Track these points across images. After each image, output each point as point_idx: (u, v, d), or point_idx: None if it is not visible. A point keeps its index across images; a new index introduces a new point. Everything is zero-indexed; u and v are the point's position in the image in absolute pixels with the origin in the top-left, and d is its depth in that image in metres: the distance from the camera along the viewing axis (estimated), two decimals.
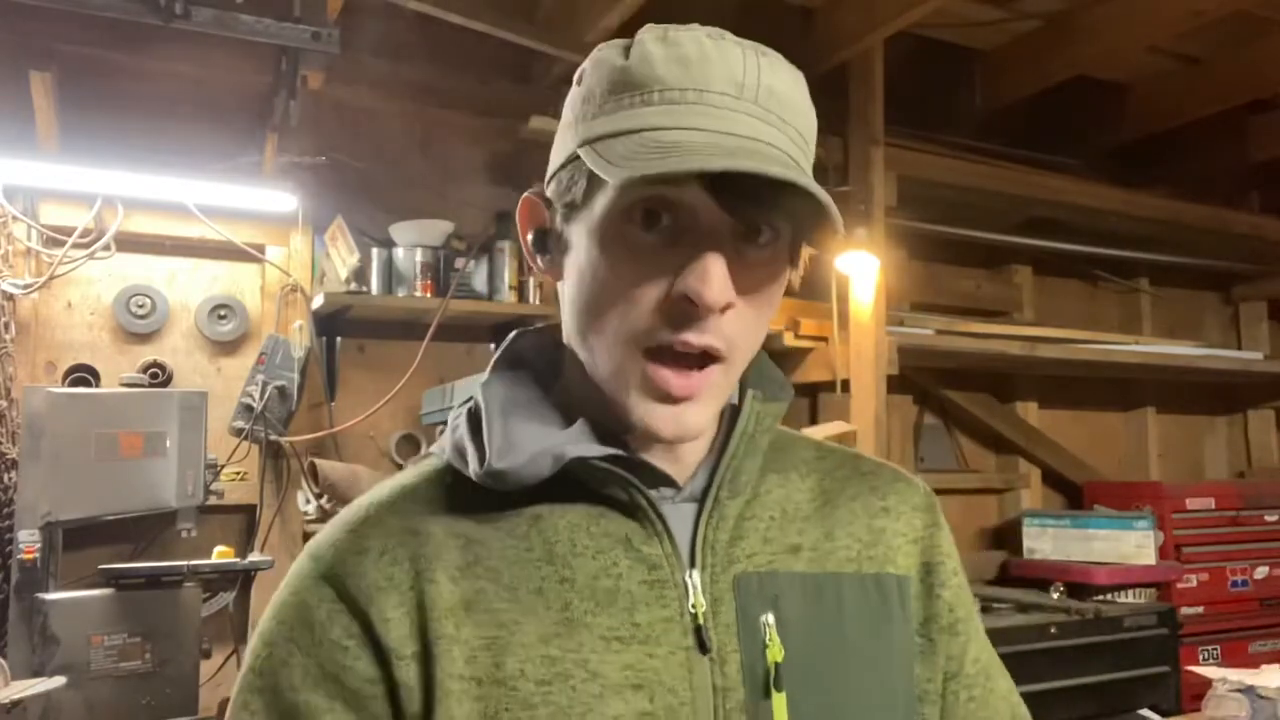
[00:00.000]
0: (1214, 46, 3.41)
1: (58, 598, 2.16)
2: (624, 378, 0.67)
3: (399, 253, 2.74)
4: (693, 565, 0.71)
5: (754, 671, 0.69)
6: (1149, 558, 3.25)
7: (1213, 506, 3.64)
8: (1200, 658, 3.44)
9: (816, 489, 0.79)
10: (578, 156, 0.67)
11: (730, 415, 0.76)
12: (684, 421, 0.68)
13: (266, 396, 2.54)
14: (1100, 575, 3.21)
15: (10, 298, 2.46)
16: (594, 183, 0.67)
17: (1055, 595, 3.18)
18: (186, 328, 2.70)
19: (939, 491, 0.88)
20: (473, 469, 0.70)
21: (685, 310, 0.64)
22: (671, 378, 0.66)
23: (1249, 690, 1.92)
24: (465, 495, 0.71)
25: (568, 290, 0.71)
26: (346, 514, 0.73)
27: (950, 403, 3.75)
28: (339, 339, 2.85)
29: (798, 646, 0.70)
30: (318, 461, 2.66)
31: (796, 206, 0.64)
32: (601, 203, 0.66)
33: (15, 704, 1.88)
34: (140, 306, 2.63)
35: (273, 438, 2.57)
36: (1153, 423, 4.25)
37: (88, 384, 2.51)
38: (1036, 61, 3.38)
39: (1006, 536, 3.73)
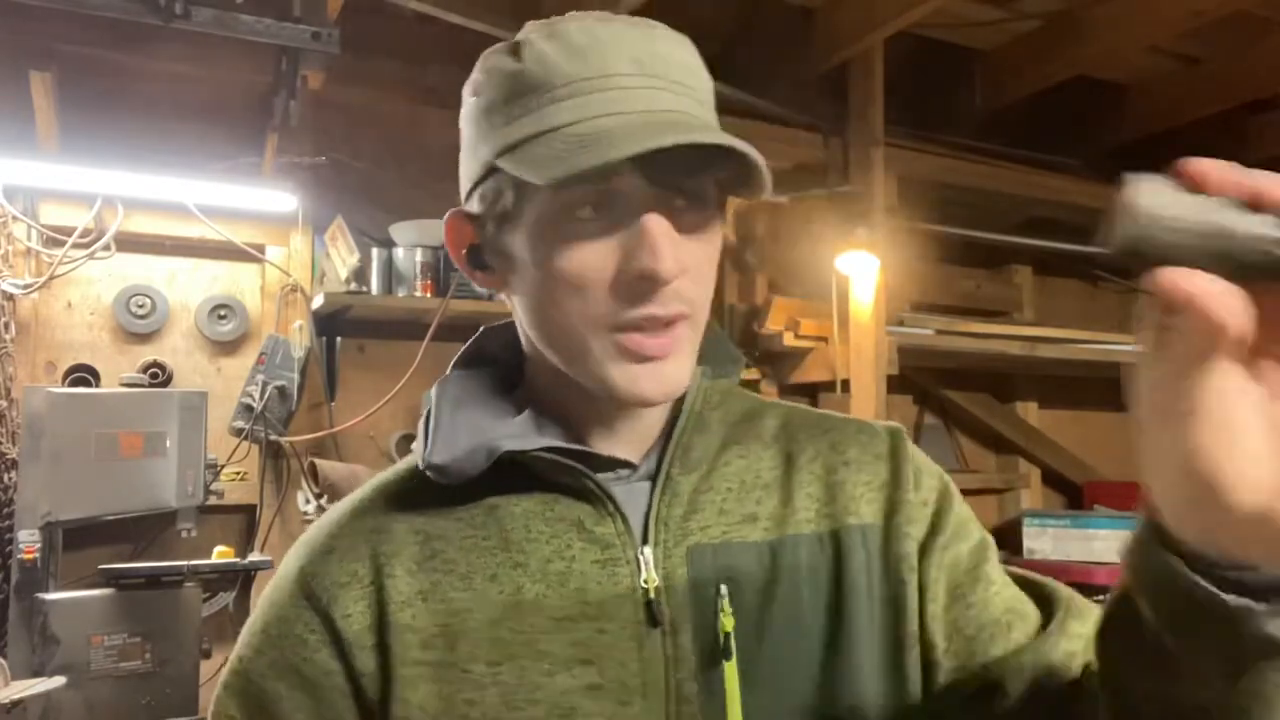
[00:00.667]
0: (1214, 46, 3.41)
1: (58, 598, 2.16)
2: (598, 356, 0.69)
3: (399, 253, 2.75)
4: (645, 542, 0.72)
5: (705, 641, 0.70)
6: None
7: None
8: None
9: (780, 456, 0.79)
10: (497, 168, 0.68)
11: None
12: (667, 377, 0.69)
13: (266, 396, 2.54)
14: (1100, 575, 3.21)
15: (10, 298, 2.46)
16: (522, 189, 0.68)
17: None
18: (186, 328, 2.70)
19: None
20: (419, 464, 0.74)
21: (643, 287, 0.66)
22: (645, 340, 0.68)
23: None
24: (431, 489, 0.74)
25: (519, 298, 0.73)
26: (329, 513, 0.78)
27: (950, 403, 3.76)
28: (339, 339, 2.85)
29: (751, 614, 0.71)
30: (318, 461, 2.66)
31: (723, 164, 0.66)
32: (536, 206, 0.68)
33: (15, 704, 1.88)
34: (140, 306, 2.63)
35: (273, 438, 2.57)
36: None
37: (88, 384, 2.51)
38: (1036, 61, 3.38)
39: (1007, 536, 3.73)
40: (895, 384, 3.02)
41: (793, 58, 3.11)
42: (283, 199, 2.60)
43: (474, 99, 0.71)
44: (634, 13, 0.76)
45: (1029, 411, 3.89)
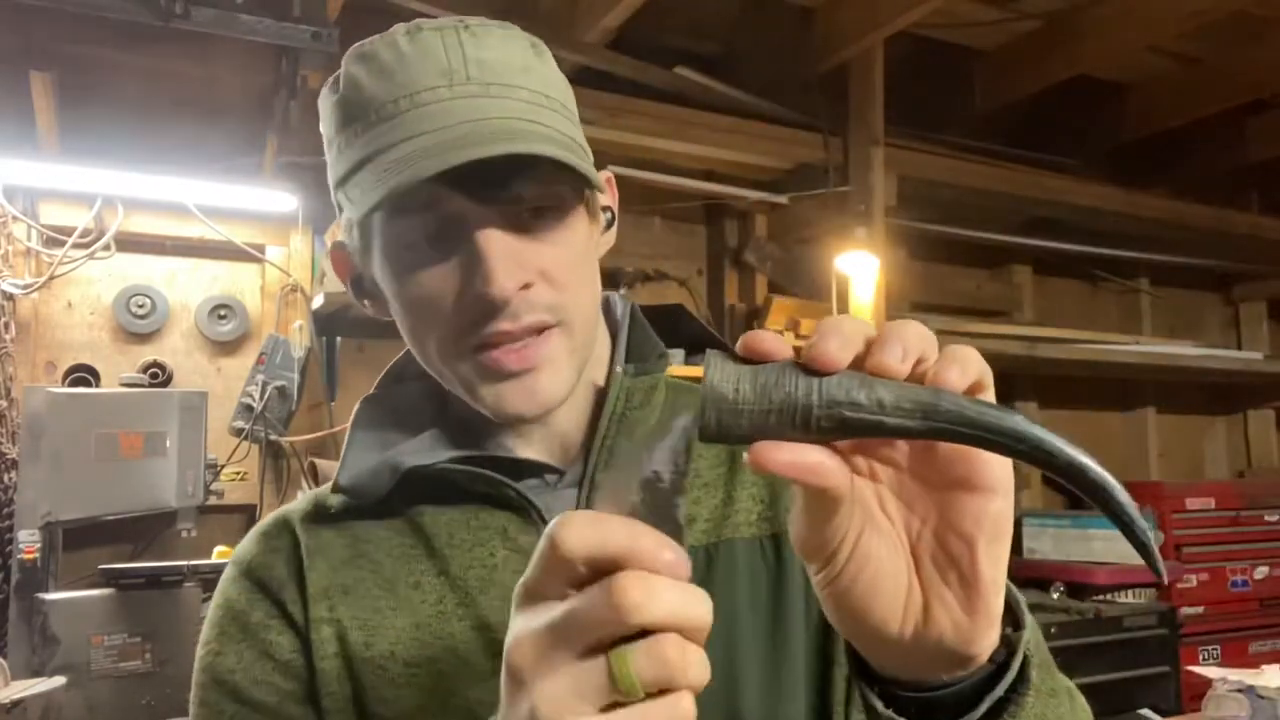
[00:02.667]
0: (1214, 46, 3.41)
1: (58, 598, 2.16)
2: (465, 377, 0.68)
3: None
4: None
5: None
6: None
7: (1213, 506, 3.64)
8: (1200, 658, 3.44)
9: (724, 454, 0.77)
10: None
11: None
12: (537, 391, 0.67)
13: (266, 396, 2.54)
14: (1100, 575, 3.21)
15: (10, 298, 2.46)
16: (364, 222, 0.68)
17: (1055, 595, 3.18)
18: (186, 328, 2.70)
19: None
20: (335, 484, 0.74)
21: (486, 307, 0.65)
22: (503, 357, 0.66)
23: (1249, 690, 1.92)
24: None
25: (397, 322, 0.72)
26: (262, 522, 0.79)
27: None
28: (339, 339, 2.85)
29: None
30: (318, 461, 2.66)
31: (546, 164, 0.63)
32: (378, 237, 0.68)
33: (15, 704, 1.88)
34: (140, 306, 2.63)
35: (273, 438, 2.57)
36: (1153, 423, 4.25)
37: (88, 384, 2.50)
38: (1036, 61, 3.38)
39: None
40: None
41: (793, 58, 3.11)
42: (283, 199, 2.60)
43: (322, 136, 0.72)
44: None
45: (1029, 411, 3.87)
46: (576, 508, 0.72)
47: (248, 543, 0.77)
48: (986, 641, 0.47)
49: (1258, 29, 3.24)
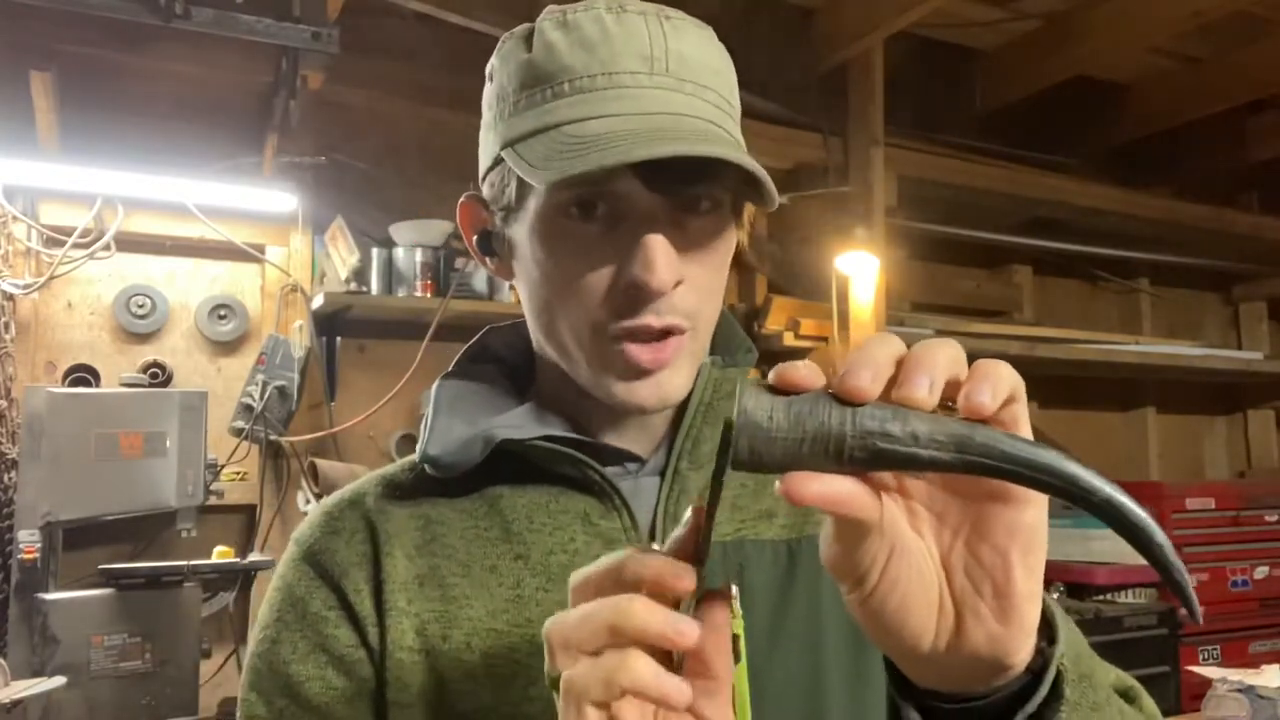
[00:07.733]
0: (1214, 46, 3.41)
1: (58, 598, 2.16)
2: (595, 365, 0.68)
3: (399, 253, 2.74)
4: (652, 538, 0.70)
5: None
6: None
7: (1213, 506, 3.64)
8: (1200, 658, 3.44)
9: None
10: (503, 159, 0.67)
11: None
12: (664, 388, 0.68)
13: (266, 396, 2.54)
14: (1100, 575, 3.21)
15: (10, 298, 2.46)
16: (524, 183, 0.67)
17: (1055, 595, 3.18)
18: (186, 328, 2.70)
19: None
20: (417, 456, 0.73)
21: (636, 296, 0.65)
22: (641, 353, 0.66)
23: (1249, 690, 1.92)
24: (433, 481, 0.73)
25: (522, 289, 0.72)
26: (326, 501, 0.77)
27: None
28: (339, 339, 2.85)
29: (765, 616, 0.69)
30: (318, 461, 2.66)
31: (727, 173, 0.64)
32: (534, 202, 0.67)
33: (15, 704, 1.88)
34: (140, 306, 2.63)
35: (273, 438, 2.57)
36: (1153, 423, 4.25)
37: (88, 384, 2.50)
38: (1036, 61, 3.38)
39: None
40: None
41: (793, 58, 3.11)
42: (283, 199, 2.60)
43: (489, 84, 0.71)
44: None
45: (1029, 412, 3.88)
46: (658, 496, 0.72)
47: (310, 523, 0.76)
48: (1024, 652, 0.47)
49: (1258, 29, 3.24)
